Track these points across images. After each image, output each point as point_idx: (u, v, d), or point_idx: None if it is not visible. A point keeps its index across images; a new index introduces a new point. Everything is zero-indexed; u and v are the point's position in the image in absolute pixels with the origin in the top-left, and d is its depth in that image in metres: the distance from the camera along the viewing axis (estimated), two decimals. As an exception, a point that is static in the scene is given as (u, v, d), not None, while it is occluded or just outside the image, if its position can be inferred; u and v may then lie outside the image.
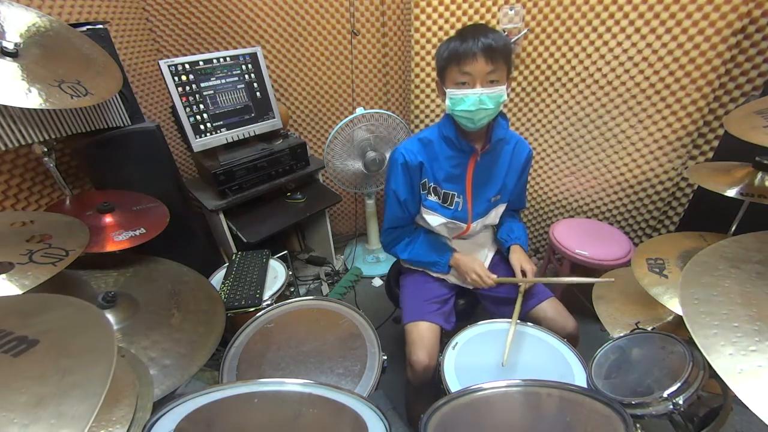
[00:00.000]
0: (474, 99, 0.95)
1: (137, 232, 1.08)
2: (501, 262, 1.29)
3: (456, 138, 1.07)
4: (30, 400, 0.44)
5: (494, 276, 1.13)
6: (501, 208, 1.23)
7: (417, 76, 1.76)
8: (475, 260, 1.17)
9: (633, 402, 0.75)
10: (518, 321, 1.08)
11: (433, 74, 1.74)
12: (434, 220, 1.17)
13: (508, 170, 1.16)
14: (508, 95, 1.00)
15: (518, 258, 1.18)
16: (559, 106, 1.66)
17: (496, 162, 1.14)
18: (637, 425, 0.73)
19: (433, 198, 1.15)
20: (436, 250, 1.20)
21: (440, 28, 1.64)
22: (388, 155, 1.87)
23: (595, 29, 1.45)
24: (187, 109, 1.54)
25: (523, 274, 1.15)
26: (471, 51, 0.91)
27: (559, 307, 1.15)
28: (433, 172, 1.12)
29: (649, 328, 0.99)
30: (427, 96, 1.82)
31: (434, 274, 1.26)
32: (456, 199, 1.14)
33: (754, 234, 0.77)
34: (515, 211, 1.36)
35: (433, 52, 1.68)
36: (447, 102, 1.00)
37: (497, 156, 1.14)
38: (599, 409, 0.69)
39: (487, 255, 1.30)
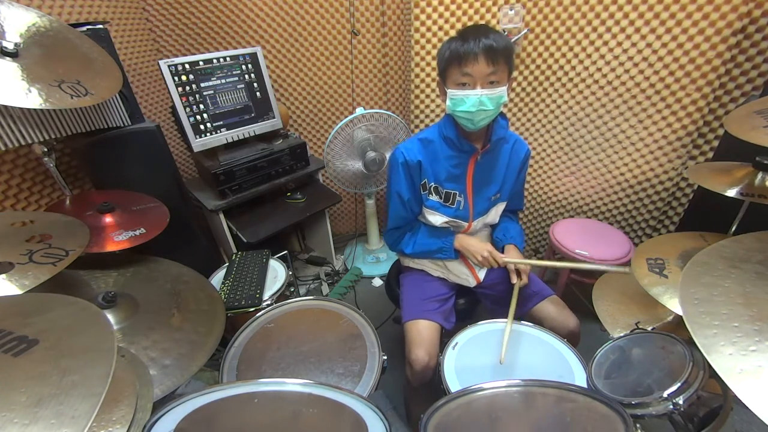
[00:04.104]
0: (474, 100, 0.95)
1: (137, 232, 1.08)
2: None
3: (456, 138, 1.07)
4: (30, 400, 0.44)
5: (505, 257, 1.12)
6: (501, 207, 1.23)
7: (417, 76, 1.76)
8: (482, 241, 1.18)
9: (633, 402, 0.75)
10: (518, 321, 1.08)
11: (434, 74, 1.74)
12: (436, 219, 1.18)
13: (507, 169, 1.16)
14: (508, 95, 1.00)
15: (512, 257, 1.17)
16: (559, 106, 1.66)
17: (495, 161, 1.14)
18: (637, 425, 0.73)
19: (434, 198, 1.15)
20: (439, 236, 1.21)
21: (440, 28, 1.64)
22: (388, 155, 1.87)
23: (595, 29, 1.45)
24: (187, 109, 1.54)
25: (518, 274, 1.13)
26: (472, 52, 0.91)
27: (560, 305, 1.15)
28: (434, 171, 1.12)
29: (649, 328, 0.99)
30: (427, 96, 1.81)
31: (434, 274, 1.27)
32: (458, 198, 1.14)
33: (754, 234, 0.77)
34: (513, 213, 1.35)
35: (434, 52, 1.68)
36: (447, 102, 1.00)
37: (497, 155, 1.14)
38: (599, 409, 0.69)
39: None
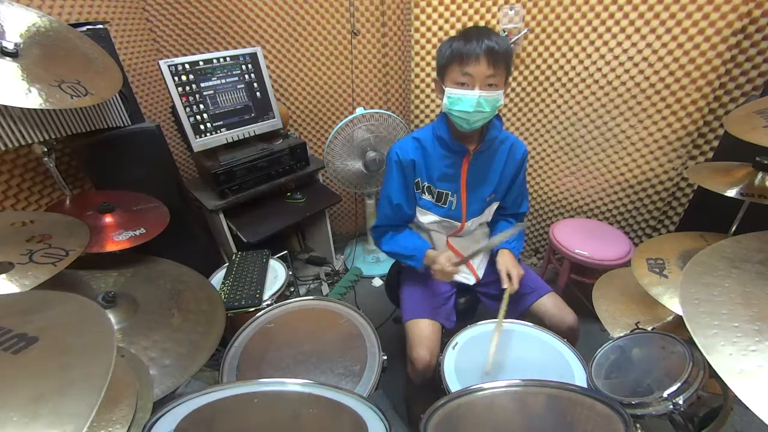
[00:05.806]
0: (472, 101, 0.95)
1: (137, 232, 1.08)
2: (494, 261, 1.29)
3: (449, 138, 1.07)
4: (30, 398, 0.44)
5: (454, 259, 1.07)
6: (495, 206, 1.23)
7: (417, 76, 1.76)
8: (442, 253, 1.09)
9: (633, 402, 0.75)
10: (516, 321, 1.08)
11: (434, 74, 1.74)
12: (427, 218, 1.18)
13: (503, 170, 1.15)
14: (506, 96, 1.00)
15: (504, 261, 1.13)
16: (559, 106, 1.66)
17: (491, 162, 1.14)
18: (637, 425, 0.73)
19: (427, 197, 1.15)
20: (415, 248, 1.16)
21: (440, 28, 1.64)
22: (388, 155, 1.87)
23: (595, 29, 1.45)
24: (187, 109, 1.54)
25: (510, 279, 1.08)
26: (474, 52, 0.91)
27: (558, 302, 1.15)
28: (427, 171, 1.12)
29: (649, 328, 1.00)
30: (427, 96, 1.82)
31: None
32: (450, 198, 1.14)
33: (754, 234, 0.77)
34: (515, 216, 1.30)
35: (434, 52, 1.68)
36: (444, 101, 1.00)
37: (492, 156, 1.13)
38: (599, 409, 0.69)
39: (482, 254, 1.29)
